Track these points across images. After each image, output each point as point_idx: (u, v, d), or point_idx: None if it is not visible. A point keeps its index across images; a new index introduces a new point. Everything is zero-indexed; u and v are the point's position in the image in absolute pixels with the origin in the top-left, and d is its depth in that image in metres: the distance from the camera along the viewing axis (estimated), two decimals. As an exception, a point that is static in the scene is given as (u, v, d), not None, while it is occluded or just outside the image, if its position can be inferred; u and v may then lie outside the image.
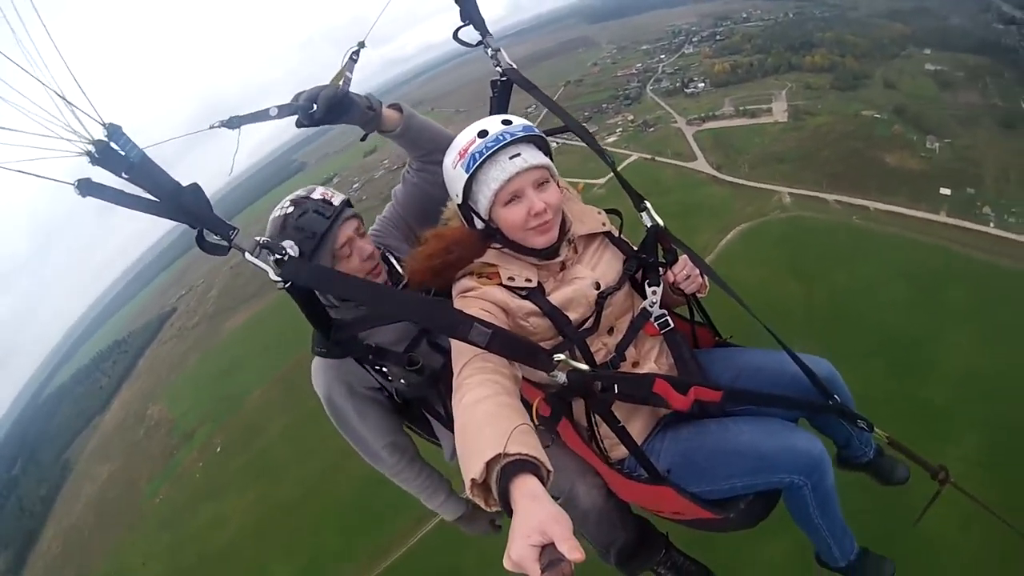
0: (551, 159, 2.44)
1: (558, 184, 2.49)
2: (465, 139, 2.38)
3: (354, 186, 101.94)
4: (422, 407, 3.19)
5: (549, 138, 2.54)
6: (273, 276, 2.13)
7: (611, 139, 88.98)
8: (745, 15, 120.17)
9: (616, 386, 2.34)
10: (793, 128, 76.37)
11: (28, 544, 72.75)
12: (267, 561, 46.65)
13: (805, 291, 47.48)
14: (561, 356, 2.16)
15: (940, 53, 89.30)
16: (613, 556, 3.09)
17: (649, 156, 79.47)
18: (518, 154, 2.32)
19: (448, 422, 3.06)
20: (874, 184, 63.08)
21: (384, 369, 2.91)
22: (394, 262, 3.04)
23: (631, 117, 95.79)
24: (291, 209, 2.74)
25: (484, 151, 2.30)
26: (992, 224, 58.02)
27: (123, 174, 1.81)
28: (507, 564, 1.36)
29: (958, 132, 71.05)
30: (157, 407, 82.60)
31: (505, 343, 2.06)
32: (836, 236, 56.88)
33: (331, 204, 2.79)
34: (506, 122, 2.38)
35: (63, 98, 1.66)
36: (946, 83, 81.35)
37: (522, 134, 2.34)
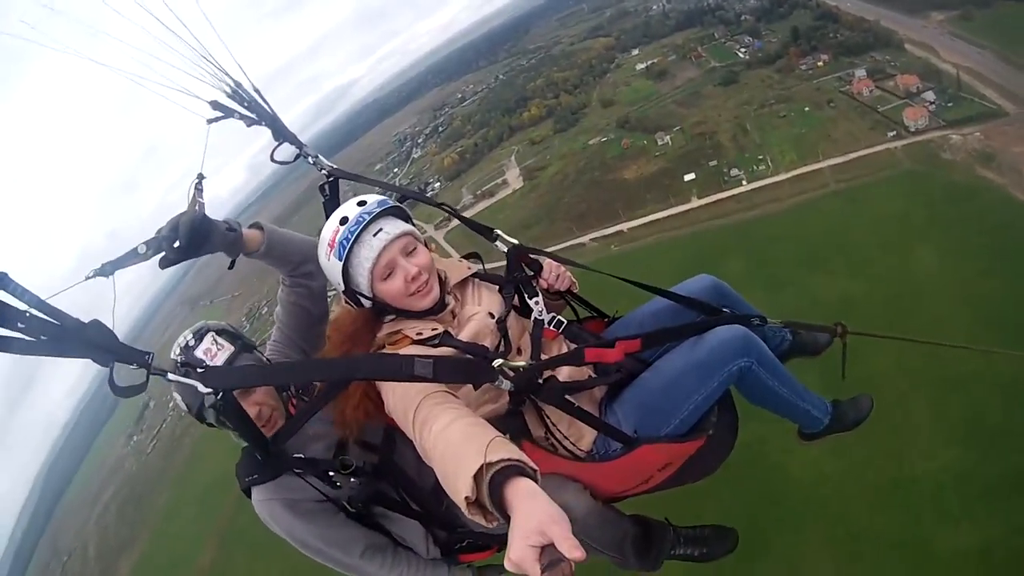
0: (412, 223, 2.61)
1: (426, 245, 2.65)
2: (330, 231, 2.50)
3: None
4: (380, 503, 3.03)
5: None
6: (203, 389, 2.06)
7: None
8: (460, 95, 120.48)
9: (555, 372, 2.58)
10: (530, 189, 76.12)
11: None
12: None
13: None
14: (500, 360, 2.25)
15: (647, 47, 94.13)
16: (632, 555, 3.03)
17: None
18: (380, 229, 2.47)
19: (409, 509, 3.04)
20: (621, 205, 63.63)
21: (331, 474, 2.81)
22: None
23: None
24: (179, 357, 2.72)
25: (349, 236, 2.43)
26: (745, 182, 60.23)
27: (19, 325, 1.70)
28: (507, 565, 1.37)
29: (684, 115, 73.63)
30: None
31: (448, 366, 2.14)
32: (599, 274, 55.65)
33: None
34: (361, 203, 2.50)
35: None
36: (660, 73, 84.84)
37: (378, 209, 2.48)
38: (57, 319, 1.78)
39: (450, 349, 2.47)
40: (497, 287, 2.90)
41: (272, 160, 3.11)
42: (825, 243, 45.72)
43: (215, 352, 2.74)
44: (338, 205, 2.83)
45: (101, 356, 1.84)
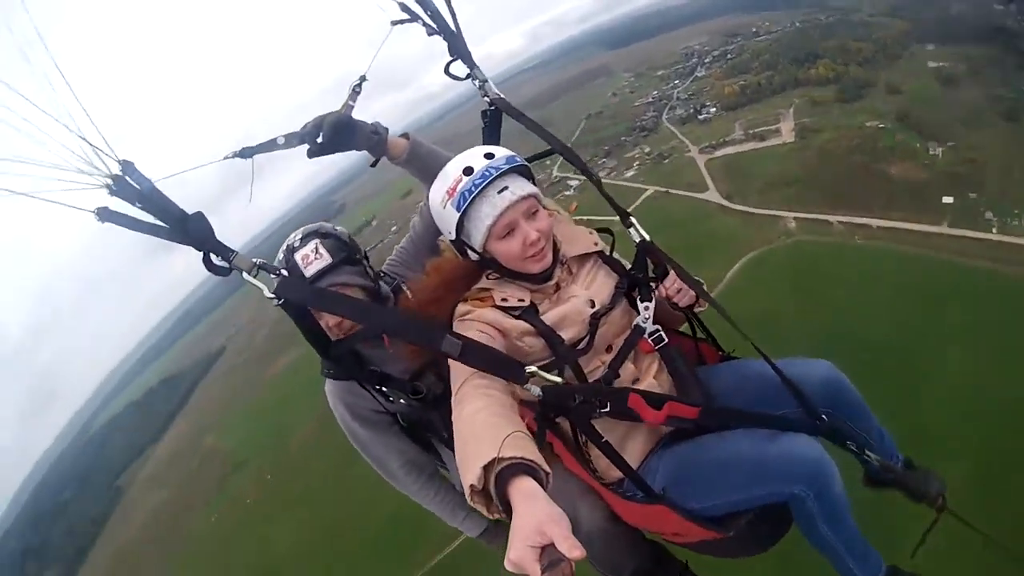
0: (535, 183, 2.49)
1: (546, 209, 2.55)
2: (452, 177, 2.40)
3: (392, 229, 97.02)
4: (426, 430, 3.24)
5: (534, 162, 2.68)
6: (267, 293, 2.22)
7: (629, 173, 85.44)
8: (754, 29, 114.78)
9: (593, 401, 2.29)
10: (800, 148, 73.70)
11: (77, 561, 74.81)
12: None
13: (803, 318, 45.86)
14: (533, 368, 2.14)
15: (942, 48, 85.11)
16: None
17: (664, 189, 77.15)
18: (506, 187, 2.35)
19: (451, 445, 2.94)
20: (878, 200, 61.47)
21: (385, 390, 2.98)
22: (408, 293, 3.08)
23: (648, 149, 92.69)
24: (283, 254, 2.92)
25: (473, 189, 2.32)
26: (995, 230, 56.40)
27: (136, 203, 1.96)
28: (507, 565, 1.38)
29: (961, 133, 68.87)
30: (210, 439, 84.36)
31: (476, 354, 2.09)
32: (838, 259, 55.67)
33: (302, 275, 2.84)
34: (489, 155, 2.40)
35: (84, 139, 1.83)
36: (949, 79, 78.85)
37: (506, 167, 2.37)
38: (167, 208, 2.00)
39: (527, 325, 2.42)
40: (617, 276, 2.72)
41: (446, 73, 3.02)
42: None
43: (311, 260, 2.83)
44: (495, 136, 2.95)
45: (196, 245, 2.07)
